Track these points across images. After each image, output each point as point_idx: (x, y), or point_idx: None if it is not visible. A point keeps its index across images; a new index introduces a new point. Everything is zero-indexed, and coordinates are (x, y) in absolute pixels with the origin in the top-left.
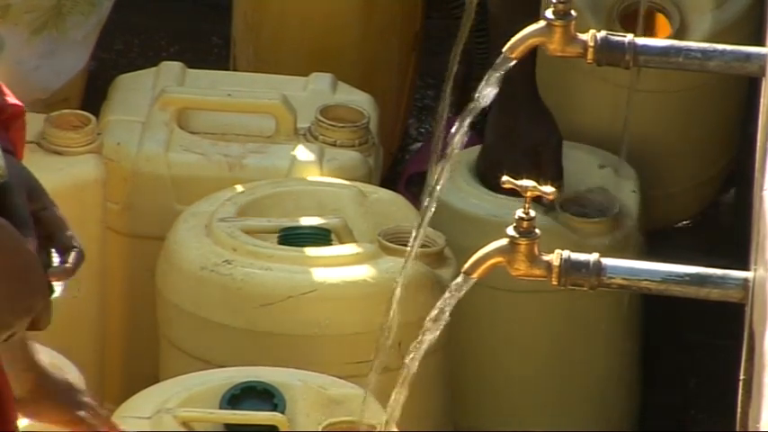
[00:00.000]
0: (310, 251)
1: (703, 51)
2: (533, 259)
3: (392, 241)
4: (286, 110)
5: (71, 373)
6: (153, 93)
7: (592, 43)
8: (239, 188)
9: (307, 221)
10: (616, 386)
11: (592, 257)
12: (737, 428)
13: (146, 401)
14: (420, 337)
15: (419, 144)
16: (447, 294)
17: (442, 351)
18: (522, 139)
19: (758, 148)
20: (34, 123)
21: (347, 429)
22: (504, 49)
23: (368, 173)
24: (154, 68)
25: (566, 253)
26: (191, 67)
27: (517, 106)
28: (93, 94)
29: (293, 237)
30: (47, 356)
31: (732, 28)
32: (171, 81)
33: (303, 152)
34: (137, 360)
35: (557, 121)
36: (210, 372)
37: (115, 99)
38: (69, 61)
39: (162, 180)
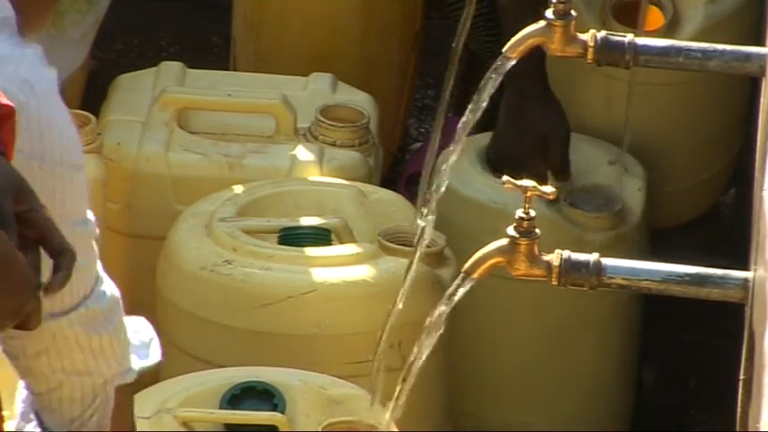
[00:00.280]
0: (310, 251)
1: (703, 51)
2: (533, 259)
3: (392, 241)
4: (286, 110)
5: None
6: (153, 93)
7: (592, 43)
8: (239, 188)
9: (307, 221)
10: (614, 374)
11: (592, 257)
12: (737, 428)
13: (146, 401)
14: (420, 337)
15: (419, 144)
16: (447, 294)
17: (442, 351)
18: (531, 128)
19: (758, 148)
20: None
21: (347, 429)
22: (504, 49)
23: (368, 173)
24: (154, 68)
25: (566, 253)
26: (191, 67)
27: (527, 95)
28: (93, 93)
29: (293, 237)
30: None
31: (725, 22)
32: (171, 81)
33: (303, 152)
34: None
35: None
36: (210, 372)
37: (115, 99)
38: (67, 60)
39: (162, 180)
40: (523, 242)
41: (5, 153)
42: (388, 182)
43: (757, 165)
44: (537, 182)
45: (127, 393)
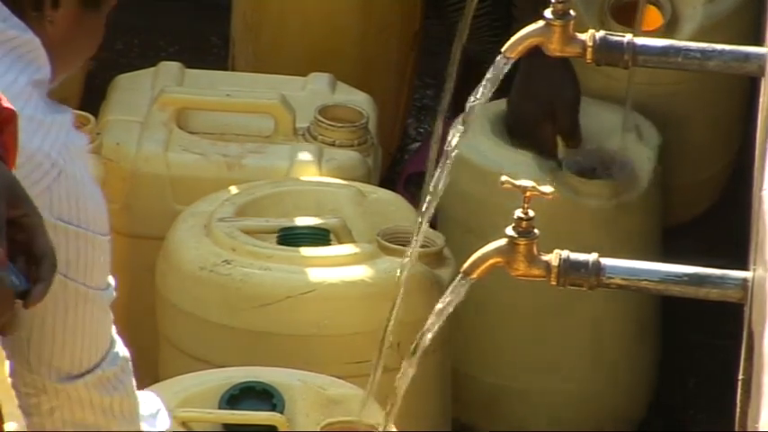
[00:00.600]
0: (309, 251)
1: (702, 51)
2: (532, 259)
3: (391, 241)
4: (285, 110)
5: None
6: (152, 93)
7: (590, 43)
8: (238, 188)
9: (305, 221)
10: (620, 343)
11: (591, 257)
12: (736, 428)
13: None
14: (419, 338)
15: (418, 144)
16: (446, 294)
17: (441, 351)
18: (538, 91)
19: (757, 148)
20: None
21: (346, 429)
22: (503, 49)
23: (367, 173)
24: (153, 68)
25: (564, 253)
26: (189, 67)
27: (538, 59)
28: (91, 93)
29: (292, 237)
30: None
31: (724, 22)
32: (170, 81)
33: (302, 152)
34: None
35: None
36: (209, 372)
37: (114, 99)
38: None
39: (161, 180)
40: (522, 242)
41: (5, 157)
42: (386, 182)
43: (756, 165)
44: (547, 147)
45: None
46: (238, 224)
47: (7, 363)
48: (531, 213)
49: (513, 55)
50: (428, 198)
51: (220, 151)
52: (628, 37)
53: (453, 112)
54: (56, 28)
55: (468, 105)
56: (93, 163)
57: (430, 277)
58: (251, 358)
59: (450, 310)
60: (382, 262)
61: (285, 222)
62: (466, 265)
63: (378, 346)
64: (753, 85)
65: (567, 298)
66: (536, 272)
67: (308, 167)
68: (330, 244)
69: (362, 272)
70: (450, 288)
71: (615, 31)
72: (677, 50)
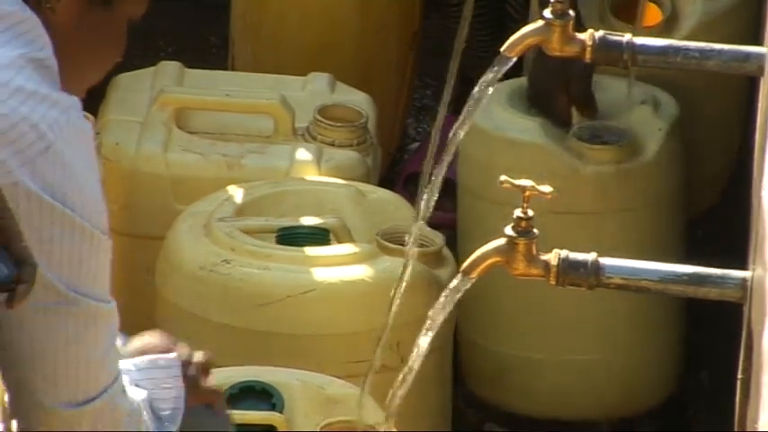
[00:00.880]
0: (309, 251)
1: (701, 51)
2: (531, 259)
3: (390, 241)
4: (284, 110)
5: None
6: (151, 93)
7: (590, 43)
8: (238, 188)
9: (305, 221)
10: (627, 315)
11: (590, 257)
12: (736, 428)
13: None
14: (418, 337)
15: (417, 144)
16: (445, 294)
17: (441, 351)
18: (551, 61)
19: (756, 148)
20: None
21: (345, 429)
22: (502, 49)
23: (366, 172)
24: (152, 68)
25: (564, 252)
26: (189, 66)
27: None
28: (91, 93)
29: (292, 236)
30: None
31: (723, 18)
32: (169, 81)
33: (301, 152)
34: None
35: None
36: None
37: (113, 99)
38: None
39: (160, 180)
40: (521, 242)
41: None
42: (386, 182)
43: (756, 165)
44: (562, 118)
45: None
46: (238, 224)
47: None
48: (531, 213)
49: (513, 54)
50: (425, 198)
51: (220, 151)
52: (627, 37)
53: (453, 112)
54: (57, 17)
55: (466, 110)
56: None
57: (428, 277)
58: (250, 358)
59: (450, 309)
60: (382, 262)
61: (285, 222)
62: (465, 264)
63: (378, 346)
64: (752, 86)
65: None
66: (535, 271)
67: (307, 167)
68: (330, 244)
69: (362, 271)
70: (450, 287)
71: (615, 27)
72: (676, 50)
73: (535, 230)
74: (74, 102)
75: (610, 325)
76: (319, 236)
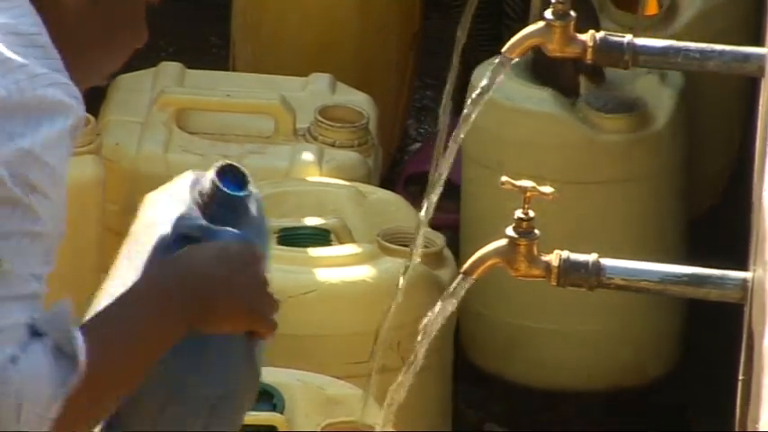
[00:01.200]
0: (310, 251)
1: (702, 52)
2: (532, 259)
3: (391, 242)
4: (285, 110)
5: None
6: (152, 93)
7: (591, 43)
8: None
9: (306, 222)
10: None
11: (591, 257)
12: (736, 429)
13: None
14: (419, 338)
15: (418, 144)
16: (446, 294)
17: (441, 351)
18: None
19: (757, 149)
20: None
21: (346, 429)
22: (503, 50)
23: (367, 173)
24: (153, 69)
25: (564, 253)
26: (189, 67)
27: None
28: (91, 94)
29: (293, 237)
30: None
31: (723, 7)
32: (170, 81)
33: (302, 153)
34: None
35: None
36: None
37: (114, 99)
38: None
39: (161, 181)
40: (523, 242)
41: None
42: (387, 182)
43: (756, 165)
44: (569, 85)
45: None
46: None
47: None
48: (532, 214)
49: (514, 55)
50: (428, 198)
51: (220, 152)
52: (628, 37)
53: (454, 112)
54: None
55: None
56: (94, 163)
57: (429, 277)
58: None
59: (451, 310)
60: (383, 262)
61: (286, 223)
62: (466, 265)
63: (378, 346)
64: (752, 86)
65: (581, 235)
66: (536, 272)
67: (308, 168)
68: (330, 244)
69: (363, 272)
70: (451, 288)
71: (615, 17)
72: (677, 51)
73: (536, 231)
74: (55, 78)
75: (612, 295)
76: (320, 236)
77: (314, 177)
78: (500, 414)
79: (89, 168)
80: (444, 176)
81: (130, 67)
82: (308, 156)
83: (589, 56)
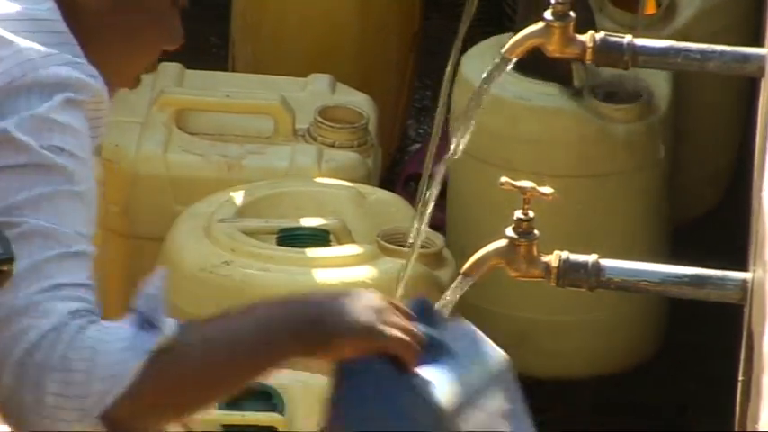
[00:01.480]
0: (309, 252)
1: (702, 52)
2: (532, 260)
3: (391, 242)
4: (285, 111)
5: None
6: (151, 94)
7: (590, 44)
8: (238, 189)
9: (305, 222)
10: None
11: (590, 258)
12: (736, 429)
13: None
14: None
15: (418, 145)
16: (446, 295)
17: None
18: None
19: (756, 149)
20: None
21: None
22: (503, 50)
23: (366, 174)
24: None
25: (564, 254)
26: (189, 67)
27: None
28: None
29: (292, 238)
30: None
31: (722, 6)
32: (169, 82)
33: (302, 153)
34: None
35: None
36: None
37: (113, 100)
38: None
39: (161, 181)
40: (522, 243)
41: None
42: (386, 183)
43: (756, 166)
44: (562, 74)
45: None
46: (238, 225)
47: None
48: (531, 214)
49: (513, 56)
50: (426, 198)
51: (220, 152)
52: (627, 38)
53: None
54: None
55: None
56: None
57: (429, 278)
58: None
59: (450, 310)
60: (382, 263)
61: (285, 223)
62: (466, 265)
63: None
64: (752, 87)
65: (595, 228)
66: (536, 272)
67: (307, 168)
68: (330, 245)
69: (362, 272)
70: (450, 289)
71: (614, 16)
72: (677, 51)
73: (536, 232)
74: (68, 58)
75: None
76: (320, 237)
77: (313, 178)
78: None
79: None
80: (441, 176)
81: None
82: (307, 156)
83: (589, 56)
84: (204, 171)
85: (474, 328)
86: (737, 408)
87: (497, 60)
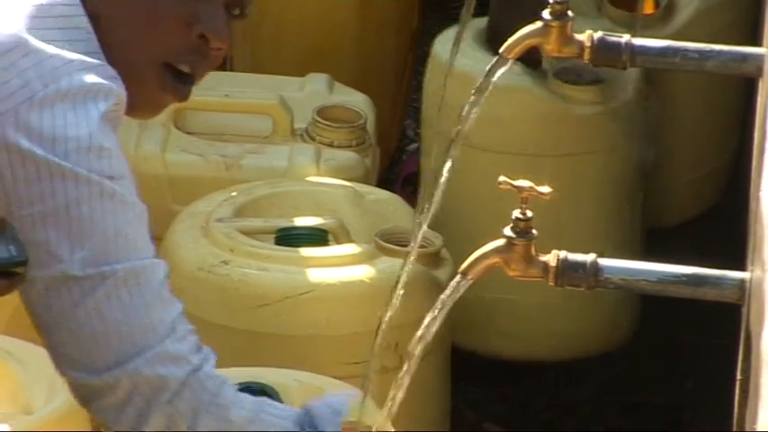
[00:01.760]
0: (307, 252)
1: (700, 52)
2: (530, 260)
3: (389, 242)
4: (283, 110)
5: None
6: None
7: (588, 44)
8: (236, 189)
9: (304, 222)
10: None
11: (589, 258)
12: (734, 429)
13: None
14: (418, 338)
15: (416, 144)
16: (444, 295)
17: (440, 351)
18: (523, 4)
19: (754, 149)
20: None
21: (344, 430)
22: (500, 50)
23: (365, 173)
24: None
25: (562, 253)
26: None
27: None
28: None
29: (290, 237)
30: None
31: (721, 6)
32: None
33: (300, 153)
34: None
35: None
36: None
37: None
38: None
39: (159, 180)
40: (520, 243)
41: None
42: (384, 182)
43: (754, 166)
44: (531, 57)
45: None
46: (236, 224)
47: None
48: (530, 214)
49: (511, 56)
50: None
51: (218, 152)
52: (626, 38)
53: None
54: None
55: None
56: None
57: (427, 278)
58: (249, 359)
59: (448, 310)
60: (380, 262)
61: (283, 223)
62: (464, 265)
63: (375, 347)
64: (750, 86)
65: (563, 214)
66: (534, 272)
67: (306, 168)
68: (328, 244)
69: (361, 272)
70: (449, 288)
71: (612, 16)
72: (675, 51)
73: (534, 231)
74: (87, 64)
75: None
76: (318, 237)
77: (312, 177)
78: (499, 414)
79: None
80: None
81: None
82: (305, 156)
83: (587, 56)
84: (202, 171)
85: None
86: (736, 407)
87: (495, 61)
